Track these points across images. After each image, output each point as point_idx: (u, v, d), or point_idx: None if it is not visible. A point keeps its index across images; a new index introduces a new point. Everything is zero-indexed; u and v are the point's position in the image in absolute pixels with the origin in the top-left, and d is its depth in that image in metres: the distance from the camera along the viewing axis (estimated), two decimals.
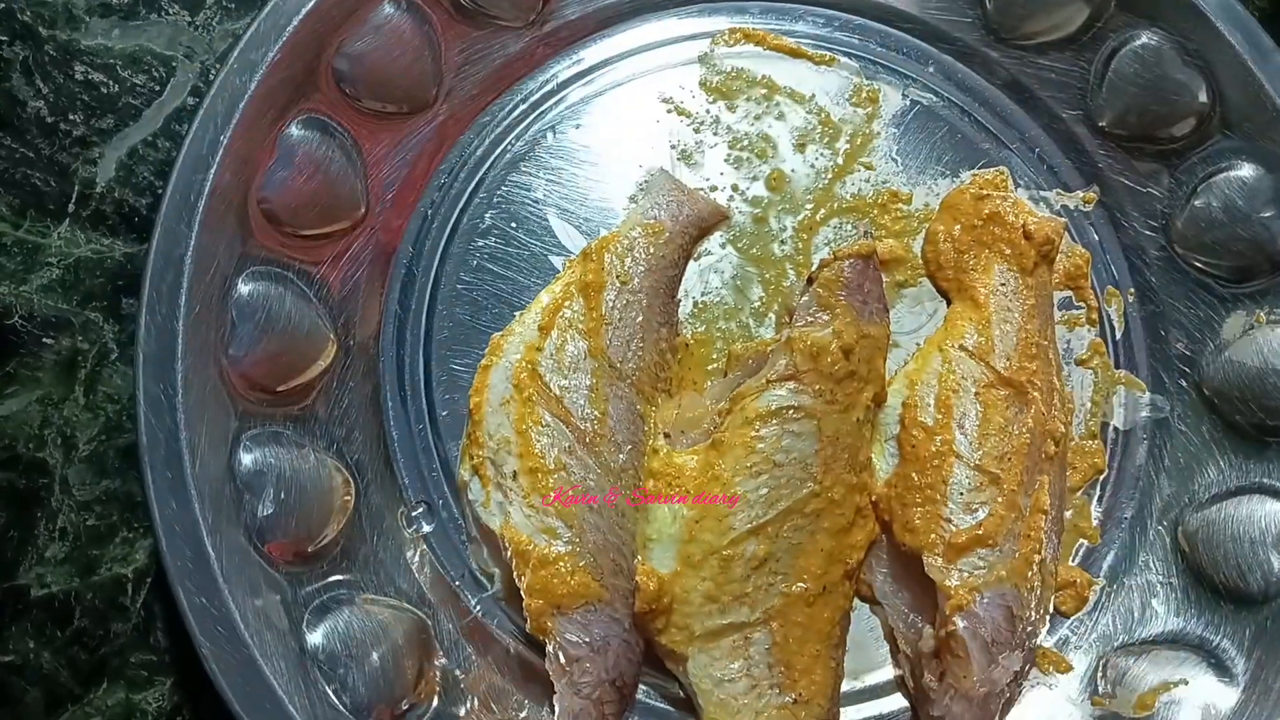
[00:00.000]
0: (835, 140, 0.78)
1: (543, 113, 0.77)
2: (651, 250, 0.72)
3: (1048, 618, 0.70)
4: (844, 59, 0.79)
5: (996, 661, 0.64)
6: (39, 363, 0.73)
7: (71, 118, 0.77)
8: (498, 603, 0.69)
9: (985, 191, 0.75)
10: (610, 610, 0.64)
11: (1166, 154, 0.76)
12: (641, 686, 0.68)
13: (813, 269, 0.72)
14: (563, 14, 0.78)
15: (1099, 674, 0.69)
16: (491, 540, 0.67)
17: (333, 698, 0.62)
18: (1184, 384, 0.74)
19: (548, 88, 0.78)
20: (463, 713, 0.65)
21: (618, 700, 0.64)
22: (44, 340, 0.73)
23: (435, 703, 0.65)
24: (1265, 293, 0.73)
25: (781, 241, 0.76)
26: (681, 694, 0.67)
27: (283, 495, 0.65)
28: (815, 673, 0.64)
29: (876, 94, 0.79)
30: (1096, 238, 0.77)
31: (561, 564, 0.64)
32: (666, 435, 0.69)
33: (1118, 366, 0.75)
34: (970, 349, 0.71)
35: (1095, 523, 0.73)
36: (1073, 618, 0.71)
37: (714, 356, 0.73)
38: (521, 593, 0.64)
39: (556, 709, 0.63)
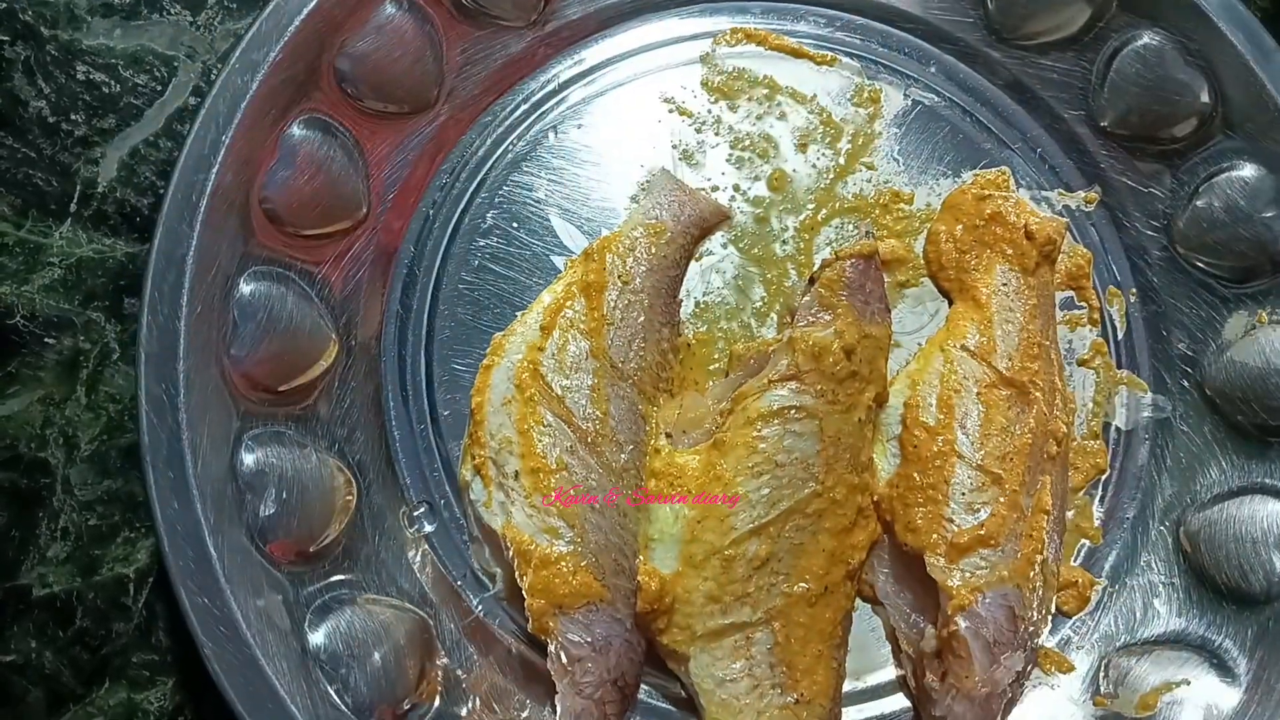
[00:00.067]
0: (837, 140, 0.78)
1: (544, 113, 0.77)
2: (653, 250, 0.72)
3: (1050, 618, 0.70)
4: (846, 59, 0.79)
5: (998, 662, 0.64)
6: (41, 362, 0.73)
7: (73, 117, 0.77)
8: (499, 602, 0.69)
9: (987, 191, 0.75)
10: (612, 610, 0.64)
11: (1168, 154, 0.76)
12: (643, 686, 0.68)
13: (814, 269, 0.72)
14: (564, 14, 0.78)
15: (1101, 674, 0.69)
16: (493, 540, 0.67)
17: (335, 698, 0.62)
18: (1186, 384, 0.74)
19: (549, 88, 0.78)
20: (464, 713, 0.65)
21: (620, 700, 0.64)
22: (46, 340, 0.73)
23: (437, 703, 0.65)
24: (1267, 293, 0.73)
25: (783, 241, 0.76)
26: (683, 694, 0.67)
27: (284, 495, 0.65)
28: (817, 673, 0.64)
29: (878, 94, 0.79)
30: (1098, 238, 0.77)
31: (563, 564, 0.64)
32: (668, 435, 0.69)
33: (1119, 367, 0.75)
34: (972, 349, 0.71)
35: (1097, 523, 0.73)
36: (1075, 618, 0.71)
37: (716, 356, 0.73)
38: (523, 592, 0.64)
39: (558, 709, 0.63)
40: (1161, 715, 0.66)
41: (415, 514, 0.70)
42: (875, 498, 0.68)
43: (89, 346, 0.74)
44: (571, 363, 0.68)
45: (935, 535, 0.66)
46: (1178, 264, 0.76)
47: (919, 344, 0.74)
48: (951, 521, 0.66)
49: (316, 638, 0.63)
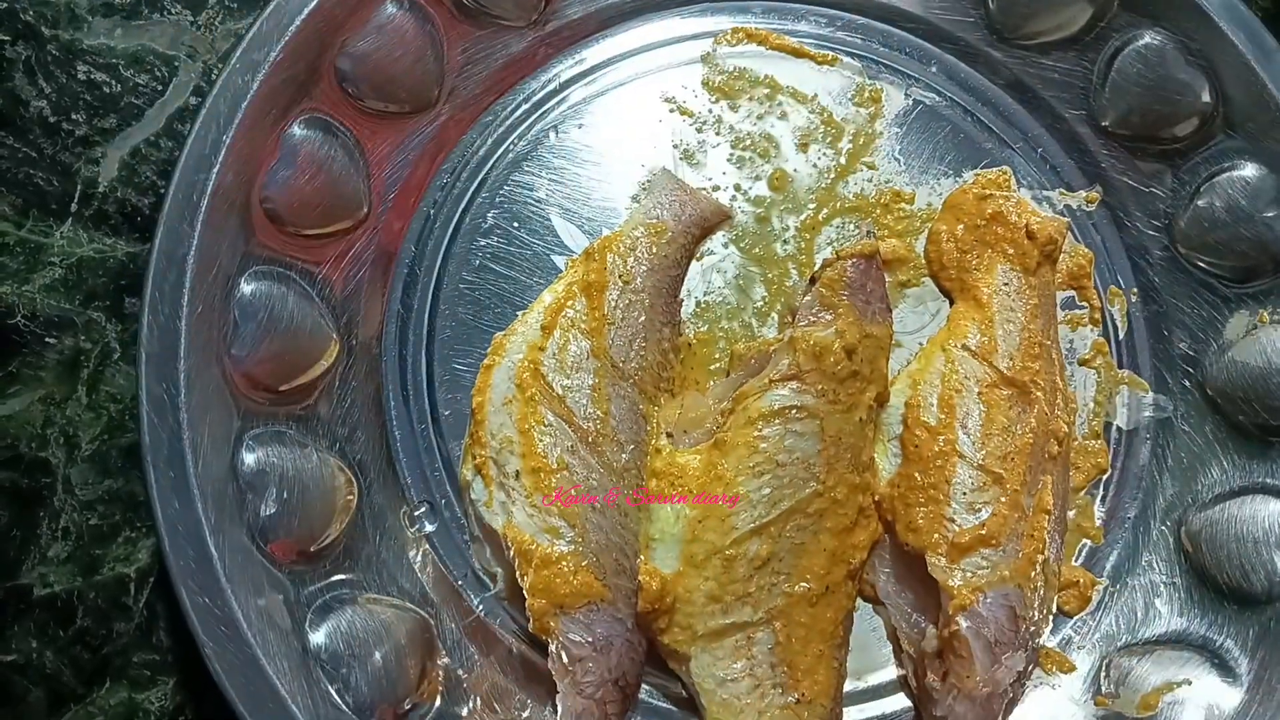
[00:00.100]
0: (838, 140, 0.78)
1: (545, 112, 0.77)
2: (654, 250, 0.72)
3: (1051, 618, 0.70)
4: (846, 59, 0.79)
5: (999, 661, 0.63)
6: (41, 362, 0.73)
7: (74, 117, 0.77)
8: (500, 602, 0.69)
9: (988, 191, 0.75)
10: (613, 610, 0.64)
11: (1169, 154, 0.76)
12: (644, 686, 0.68)
13: (815, 269, 0.72)
14: (565, 14, 0.78)
15: (1102, 674, 0.69)
16: (494, 540, 0.67)
17: (335, 697, 0.62)
18: (1187, 384, 0.74)
19: (550, 87, 0.78)
20: (465, 713, 0.65)
21: (620, 700, 0.64)
22: (46, 340, 0.73)
23: (438, 702, 0.65)
24: (1268, 293, 0.73)
25: (784, 241, 0.76)
26: (684, 694, 0.67)
27: (285, 495, 0.65)
28: (818, 673, 0.64)
29: (879, 94, 0.79)
30: (1099, 237, 0.77)
31: (564, 563, 0.64)
32: (669, 435, 0.69)
33: (1121, 366, 0.75)
34: (973, 349, 0.71)
35: (1098, 523, 0.72)
36: (1076, 618, 0.71)
37: (716, 356, 0.73)
38: (524, 592, 0.64)
39: (559, 709, 0.63)
40: (1163, 715, 0.66)
41: (416, 514, 0.70)
42: (876, 497, 0.68)
43: (90, 346, 0.74)
44: (572, 362, 0.68)
45: (936, 535, 0.66)
46: (1179, 264, 0.76)
47: (920, 344, 0.74)
48: (953, 521, 0.66)
49: (317, 637, 0.63)
